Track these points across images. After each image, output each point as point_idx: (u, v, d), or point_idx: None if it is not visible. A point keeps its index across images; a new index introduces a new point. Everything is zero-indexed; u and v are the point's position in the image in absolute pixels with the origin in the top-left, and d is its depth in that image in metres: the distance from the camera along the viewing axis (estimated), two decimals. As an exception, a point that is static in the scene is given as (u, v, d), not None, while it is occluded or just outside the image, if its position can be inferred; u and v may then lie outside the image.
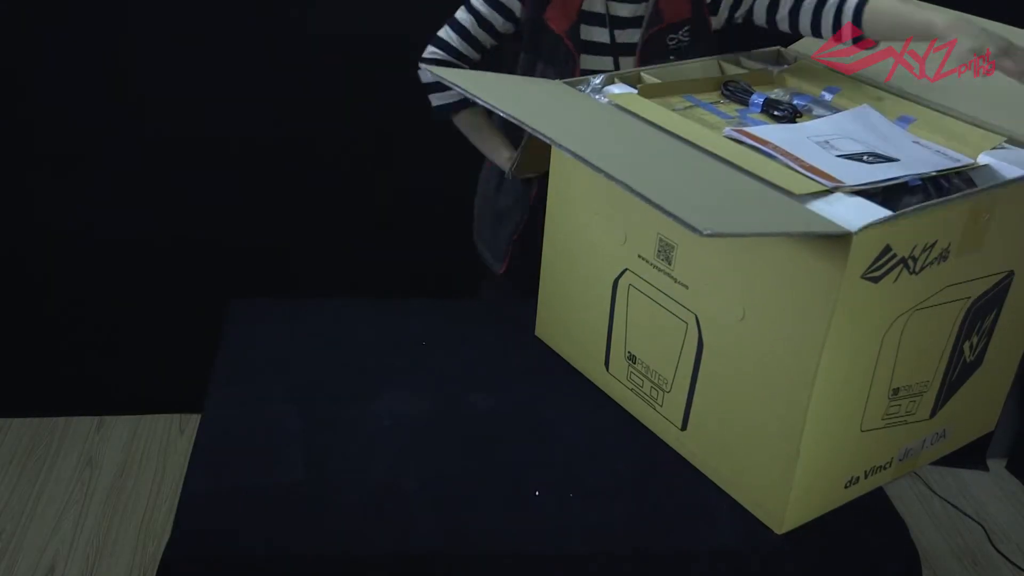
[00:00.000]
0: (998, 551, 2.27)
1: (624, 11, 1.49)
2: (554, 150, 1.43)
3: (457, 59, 1.61)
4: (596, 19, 1.47)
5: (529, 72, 1.60)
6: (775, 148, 1.27)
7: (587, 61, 1.52)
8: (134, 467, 2.35)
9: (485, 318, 1.67)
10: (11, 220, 2.28)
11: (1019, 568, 2.23)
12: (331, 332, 1.58)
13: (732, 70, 1.58)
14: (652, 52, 1.57)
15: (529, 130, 1.16)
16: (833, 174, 1.20)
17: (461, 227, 2.18)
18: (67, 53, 2.12)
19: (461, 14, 1.62)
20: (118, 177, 2.26)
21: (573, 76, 1.55)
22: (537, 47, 1.54)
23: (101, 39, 2.11)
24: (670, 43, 1.56)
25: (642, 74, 1.50)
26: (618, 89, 1.45)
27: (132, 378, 2.51)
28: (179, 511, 1.21)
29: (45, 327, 2.42)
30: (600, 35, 1.50)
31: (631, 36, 1.52)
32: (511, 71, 1.61)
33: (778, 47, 1.66)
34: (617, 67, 1.56)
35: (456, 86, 1.32)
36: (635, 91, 1.45)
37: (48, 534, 2.14)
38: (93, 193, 2.27)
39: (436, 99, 1.65)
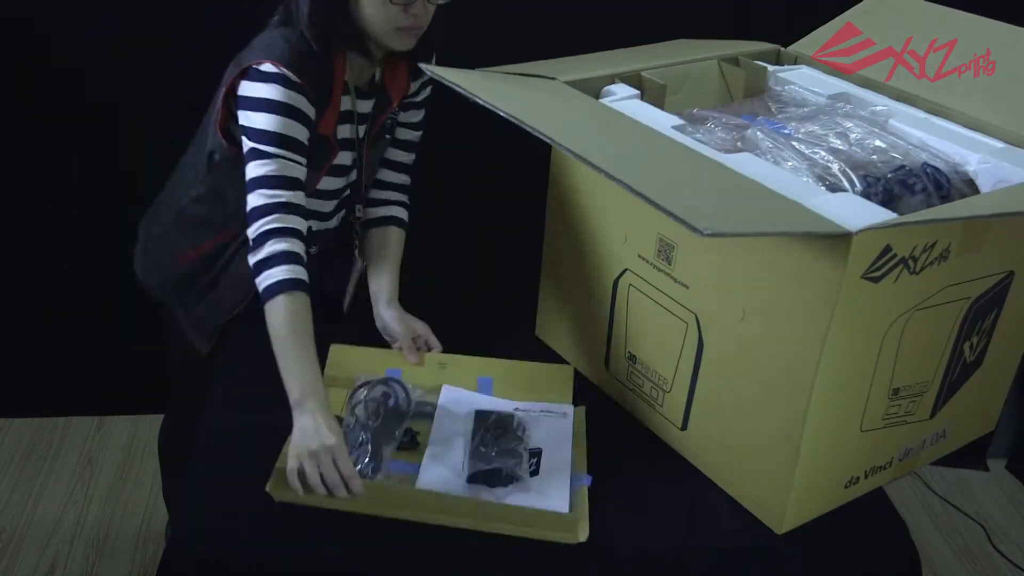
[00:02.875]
0: (998, 551, 2.27)
1: (365, 107, 1.52)
2: (554, 150, 1.43)
3: (292, 213, 1.36)
4: (347, 117, 1.49)
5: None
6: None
7: (340, 156, 1.52)
8: (134, 467, 2.35)
9: (485, 318, 1.67)
10: (11, 220, 2.28)
11: (1019, 568, 2.23)
12: (330, 332, 1.58)
13: (731, 70, 1.58)
14: (378, 135, 1.57)
15: (529, 130, 1.16)
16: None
17: (461, 227, 2.18)
18: (68, 53, 2.12)
19: (264, 164, 1.35)
20: (118, 177, 2.26)
21: (323, 171, 1.48)
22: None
23: (101, 39, 2.11)
24: (387, 123, 1.59)
25: (643, 75, 1.50)
26: (620, 91, 1.45)
27: (132, 378, 2.51)
28: (179, 511, 1.21)
29: (45, 327, 2.42)
30: (349, 131, 1.52)
31: (363, 131, 1.54)
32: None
33: (777, 47, 1.66)
34: (360, 159, 1.55)
35: (456, 86, 1.32)
36: (637, 93, 1.45)
37: (48, 534, 2.14)
38: (94, 192, 2.27)
39: (263, 280, 1.34)
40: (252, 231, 1.34)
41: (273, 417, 1.34)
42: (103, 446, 2.42)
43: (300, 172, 1.38)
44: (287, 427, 1.32)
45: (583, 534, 1.19)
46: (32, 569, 2.05)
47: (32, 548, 2.10)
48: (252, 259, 1.34)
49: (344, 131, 1.50)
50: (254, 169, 1.35)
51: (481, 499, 1.21)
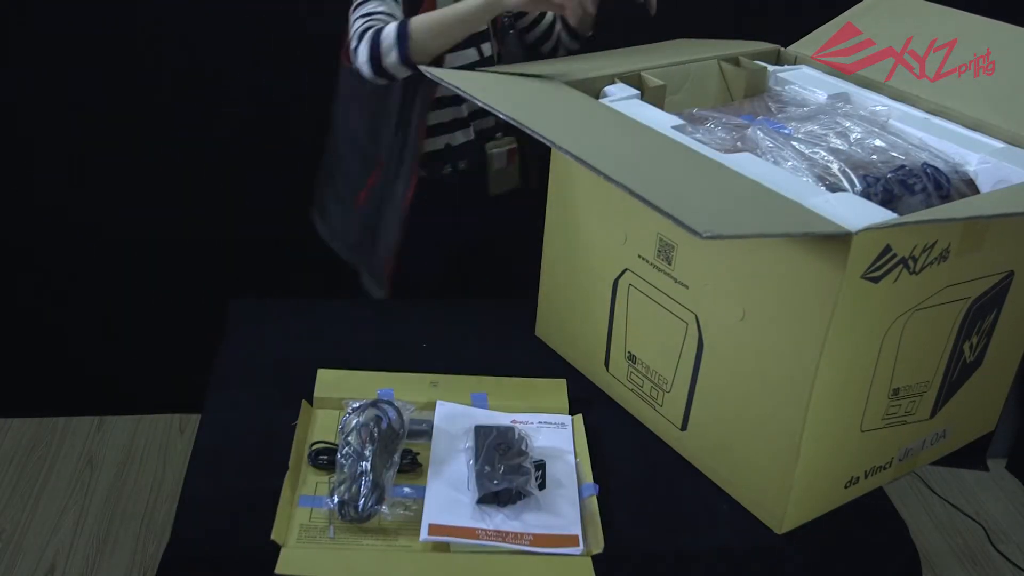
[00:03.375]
0: (998, 551, 2.27)
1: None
2: (554, 151, 1.43)
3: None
4: None
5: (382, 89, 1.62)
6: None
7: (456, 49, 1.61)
8: (134, 467, 2.35)
9: (485, 318, 1.67)
10: (11, 220, 2.28)
11: (1019, 568, 2.23)
12: (331, 332, 1.58)
13: (731, 70, 1.58)
14: (500, 30, 1.68)
15: (529, 131, 1.16)
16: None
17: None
18: (69, 53, 2.12)
19: (359, 12, 1.59)
20: (118, 177, 2.26)
21: (441, 65, 1.59)
22: None
23: (102, 39, 2.11)
24: (504, 20, 1.68)
25: (643, 75, 1.50)
26: (620, 91, 1.45)
27: (132, 378, 2.51)
28: (179, 512, 1.21)
29: (45, 327, 2.43)
30: None
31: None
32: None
33: (777, 47, 1.66)
34: (480, 53, 1.67)
35: (453, 86, 1.33)
36: (637, 93, 1.45)
37: (48, 534, 2.14)
38: (93, 193, 2.27)
39: (388, 58, 1.53)
40: (353, 46, 1.55)
41: (273, 417, 1.35)
42: (103, 446, 2.42)
43: (391, 7, 1.57)
44: (287, 427, 1.32)
45: (598, 548, 1.18)
46: (32, 569, 2.05)
47: (32, 548, 2.10)
48: (360, 56, 1.53)
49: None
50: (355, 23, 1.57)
51: (498, 554, 1.18)
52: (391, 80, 1.56)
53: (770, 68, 1.58)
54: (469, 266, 1.88)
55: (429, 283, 1.81)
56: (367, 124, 1.70)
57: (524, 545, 1.17)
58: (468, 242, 1.84)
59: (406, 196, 1.68)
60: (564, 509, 1.23)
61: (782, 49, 1.66)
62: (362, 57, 1.53)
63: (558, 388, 1.45)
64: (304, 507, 1.22)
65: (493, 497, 1.21)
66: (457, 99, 1.67)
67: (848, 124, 1.37)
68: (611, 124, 1.32)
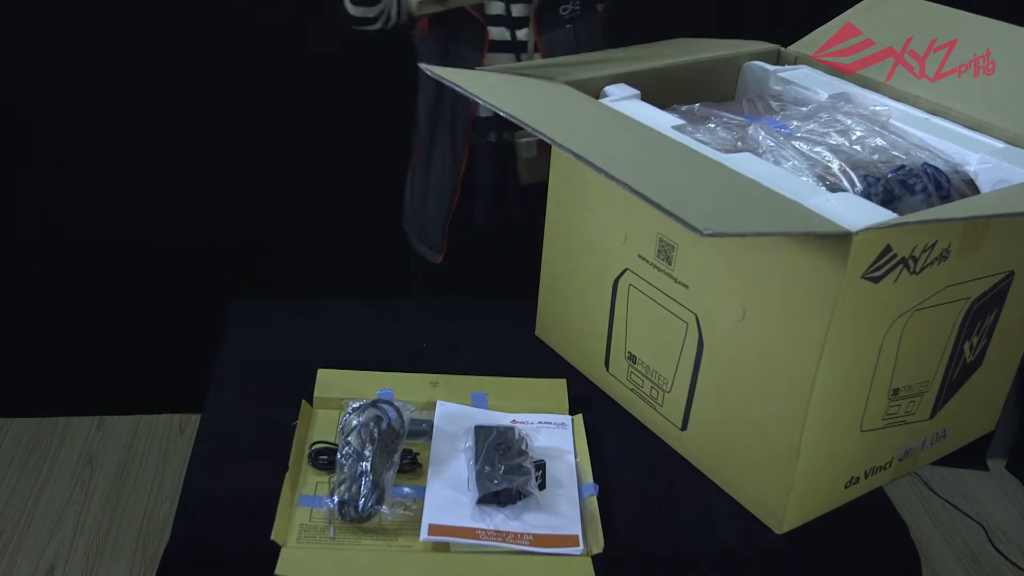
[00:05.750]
0: (998, 551, 2.28)
1: None
2: (554, 150, 1.43)
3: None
4: None
5: (437, 54, 1.65)
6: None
7: (494, 32, 1.64)
8: (134, 467, 2.35)
9: (485, 318, 1.67)
10: (11, 220, 2.28)
11: (1019, 568, 2.23)
12: (331, 332, 1.58)
13: (731, 70, 1.58)
14: (547, 22, 1.67)
15: (530, 129, 1.16)
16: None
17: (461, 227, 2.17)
18: (67, 53, 2.12)
19: None
20: (118, 177, 2.26)
21: (482, 49, 1.63)
22: (445, 24, 1.62)
23: (100, 40, 2.12)
24: (563, 12, 1.67)
25: (642, 74, 1.50)
26: (620, 91, 1.45)
27: (132, 378, 2.51)
28: (179, 512, 1.21)
29: (45, 327, 2.43)
30: (497, 8, 1.63)
31: (523, 10, 1.65)
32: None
33: (777, 47, 1.66)
34: (514, 37, 1.67)
35: (456, 85, 1.33)
36: (637, 93, 1.45)
37: (48, 534, 2.14)
38: (94, 193, 2.27)
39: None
40: None
41: (273, 417, 1.35)
42: (103, 446, 2.42)
43: None
44: (287, 427, 1.32)
45: (598, 548, 1.18)
46: (32, 569, 2.05)
47: (32, 548, 2.10)
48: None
49: (493, 8, 1.63)
50: None
51: (498, 554, 1.17)
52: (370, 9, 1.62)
53: (770, 68, 1.58)
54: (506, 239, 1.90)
55: (478, 246, 1.83)
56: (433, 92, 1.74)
57: (524, 545, 1.17)
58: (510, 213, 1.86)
59: (459, 160, 1.71)
60: (564, 509, 1.23)
61: (782, 49, 1.66)
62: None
63: (558, 388, 1.45)
64: (304, 507, 1.22)
65: (493, 497, 1.21)
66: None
67: (849, 123, 1.37)
68: (611, 123, 1.32)
